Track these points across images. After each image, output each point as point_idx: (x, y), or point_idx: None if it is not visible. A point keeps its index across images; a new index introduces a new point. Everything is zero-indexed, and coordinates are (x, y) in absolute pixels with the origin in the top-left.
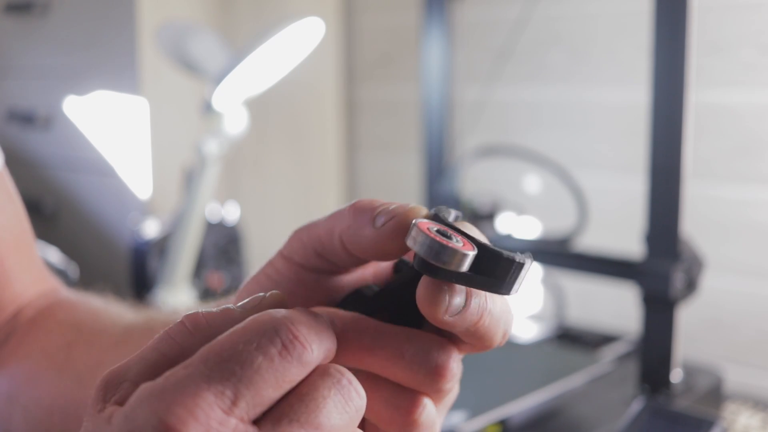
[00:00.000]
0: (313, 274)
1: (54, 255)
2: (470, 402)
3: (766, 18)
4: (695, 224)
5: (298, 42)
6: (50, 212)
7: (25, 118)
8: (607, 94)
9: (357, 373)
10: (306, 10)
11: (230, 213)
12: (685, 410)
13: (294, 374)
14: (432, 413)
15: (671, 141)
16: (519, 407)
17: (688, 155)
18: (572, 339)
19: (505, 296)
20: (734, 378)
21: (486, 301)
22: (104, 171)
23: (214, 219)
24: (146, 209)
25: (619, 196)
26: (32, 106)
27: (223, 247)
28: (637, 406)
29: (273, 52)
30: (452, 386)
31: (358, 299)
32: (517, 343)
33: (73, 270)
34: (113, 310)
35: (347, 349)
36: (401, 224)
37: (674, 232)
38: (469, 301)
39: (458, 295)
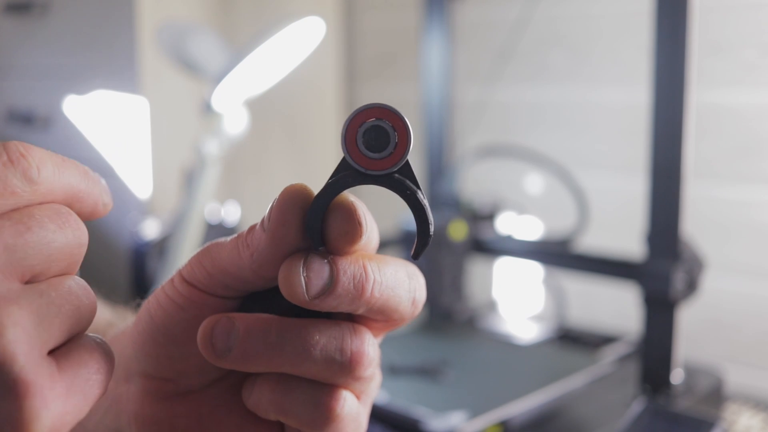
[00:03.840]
0: (223, 299)
1: None
2: (471, 403)
3: None
4: (696, 224)
5: (298, 42)
6: None
7: (25, 118)
8: (608, 94)
9: (269, 377)
10: (306, 10)
11: (230, 213)
12: (686, 411)
13: (16, 185)
14: (354, 406)
15: (672, 141)
16: (520, 408)
17: (688, 155)
18: (573, 339)
19: (398, 264)
20: (735, 379)
21: (368, 272)
22: (104, 171)
23: (214, 219)
24: (146, 209)
25: (619, 196)
26: (32, 106)
27: None
28: (637, 406)
29: (273, 52)
30: (372, 373)
31: (256, 299)
32: (518, 344)
33: None
34: None
35: (254, 350)
36: (285, 204)
37: (675, 232)
38: (338, 277)
39: (317, 271)
